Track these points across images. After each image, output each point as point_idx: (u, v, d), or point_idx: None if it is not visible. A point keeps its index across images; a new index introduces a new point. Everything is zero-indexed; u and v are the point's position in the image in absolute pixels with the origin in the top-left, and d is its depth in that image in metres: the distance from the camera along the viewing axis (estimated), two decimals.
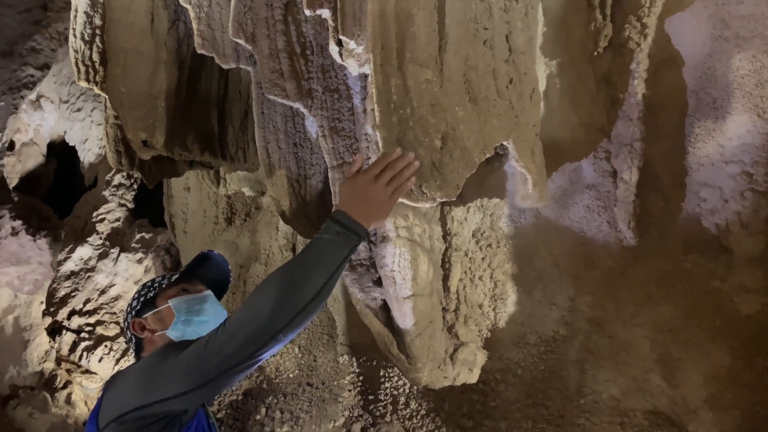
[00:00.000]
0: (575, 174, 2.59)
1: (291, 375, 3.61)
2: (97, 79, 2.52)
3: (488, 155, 1.79)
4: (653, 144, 2.38)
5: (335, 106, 2.27)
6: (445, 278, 2.72)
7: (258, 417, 3.53)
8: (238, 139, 2.86)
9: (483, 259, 2.81)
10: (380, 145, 1.60)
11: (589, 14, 2.36)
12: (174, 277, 1.54)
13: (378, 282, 2.26)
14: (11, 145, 8.41)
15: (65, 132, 9.43)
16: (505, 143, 1.90)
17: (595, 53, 2.39)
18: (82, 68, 2.49)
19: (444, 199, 1.68)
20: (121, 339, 7.66)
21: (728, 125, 2.15)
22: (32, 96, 8.44)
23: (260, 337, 1.12)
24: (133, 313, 1.50)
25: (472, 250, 2.79)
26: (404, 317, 2.20)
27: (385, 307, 2.28)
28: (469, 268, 2.79)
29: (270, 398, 3.57)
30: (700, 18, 2.22)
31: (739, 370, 2.34)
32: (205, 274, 1.57)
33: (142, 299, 1.51)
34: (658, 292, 2.55)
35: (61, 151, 9.43)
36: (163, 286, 1.52)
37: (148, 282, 1.58)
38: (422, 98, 1.62)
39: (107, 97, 2.36)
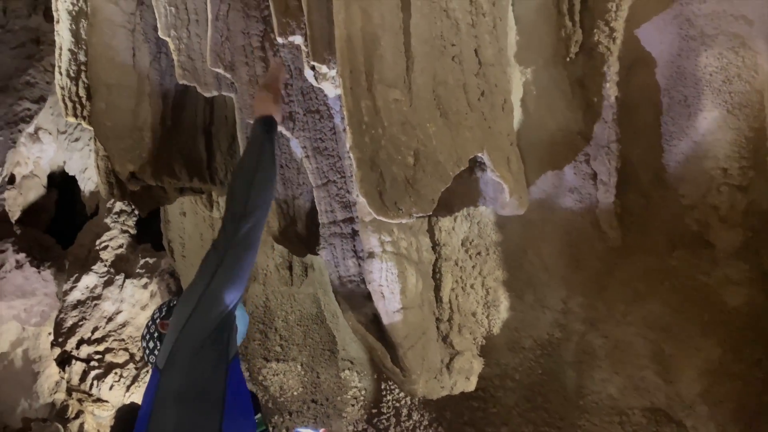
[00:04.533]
0: (557, 178, 2.63)
1: (295, 393, 3.64)
2: (85, 114, 2.58)
3: (463, 167, 1.84)
4: (630, 144, 2.42)
5: (317, 126, 2.31)
6: (437, 289, 2.76)
7: None
8: (226, 163, 2.91)
9: (473, 267, 2.84)
10: (354, 165, 1.65)
11: (559, 21, 2.41)
12: None
13: (368, 296, 2.30)
14: (12, 179, 8.51)
15: (65, 162, 9.52)
16: (479, 154, 1.94)
17: (568, 59, 2.43)
18: (69, 104, 2.55)
19: (420, 215, 1.72)
20: (131, 366, 7.68)
21: (700, 122, 2.19)
22: (30, 129, 8.54)
23: (240, 206, 1.53)
24: (159, 319, 1.70)
25: (462, 259, 2.83)
26: (395, 330, 2.23)
27: (376, 321, 2.31)
28: (460, 277, 2.82)
29: (276, 417, 3.60)
30: (667, 18, 2.26)
31: (730, 363, 2.36)
32: None
33: (165, 308, 1.73)
34: (646, 289, 2.58)
35: (61, 182, 9.52)
36: None
37: (169, 299, 1.87)
38: (392, 117, 1.67)
39: (94, 131, 2.43)
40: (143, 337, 1.71)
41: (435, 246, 2.80)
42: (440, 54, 1.86)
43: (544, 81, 2.54)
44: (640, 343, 2.66)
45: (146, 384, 1.52)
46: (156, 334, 1.68)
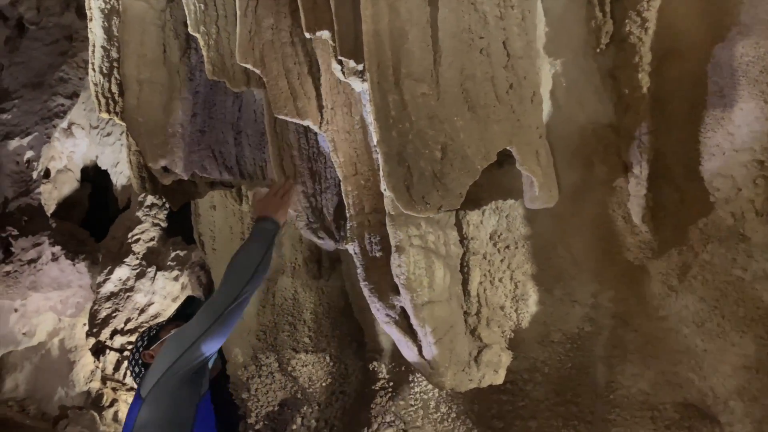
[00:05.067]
0: (587, 171, 2.59)
1: (324, 384, 3.68)
2: (117, 109, 2.64)
3: (490, 161, 1.83)
4: (662, 137, 2.37)
5: (344, 120, 2.32)
6: (465, 282, 2.75)
7: (294, 427, 3.61)
8: (255, 158, 2.94)
9: (502, 260, 2.83)
10: (381, 159, 1.66)
11: (589, 11, 2.36)
12: (169, 319, 2.15)
13: (396, 289, 2.31)
14: (47, 173, 8.72)
15: (97, 156, 9.70)
16: (508, 148, 1.93)
17: (598, 50, 2.39)
18: (102, 100, 2.61)
19: (448, 209, 1.72)
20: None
21: (736, 113, 2.13)
22: (64, 124, 8.74)
23: (238, 288, 1.88)
24: (142, 348, 2.00)
25: (490, 252, 2.82)
26: (423, 324, 2.24)
27: (404, 314, 2.32)
28: (489, 271, 2.81)
29: (305, 408, 3.65)
30: (701, 7, 2.21)
31: (766, 359, 2.31)
32: (192, 312, 1.99)
33: (146, 337, 2.03)
34: (679, 284, 2.54)
35: (94, 176, 9.73)
36: (162, 324, 2.09)
37: (147, 328, 2.15)
38: (420, 112, 1.67)
39: (126, 126, 2.48)
40: (129, 361, 2.02)
41: (463, 240, 2.79)
42: (468, 47, 1.85)
43: (574, 73, 2.50)
44: (673, 338, 2.61)
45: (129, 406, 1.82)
46: (140, 362, 1.99)
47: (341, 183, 2.35)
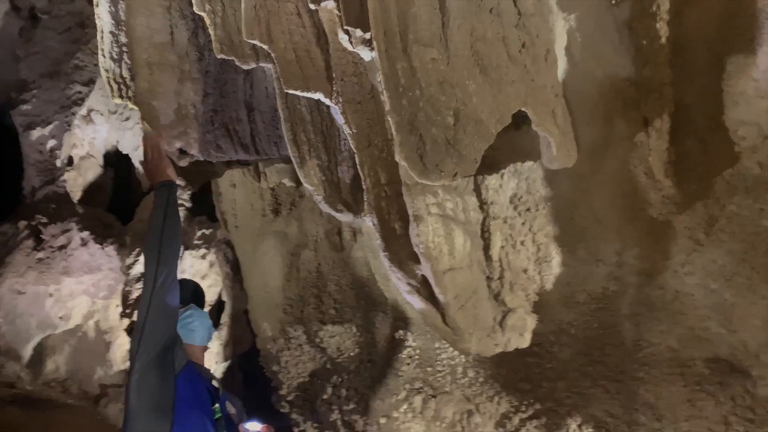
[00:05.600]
0: (606, 128, 2.53)
1: (352, 354, 3.72)
2: (130, 94, 2.64)
3: (505, 124, 1.79)
4: (683, 87, 2.29)
5: (354, 90, 2.30)
6: (486, 247, 2.73)
7: (325, 396, 3.67)
8: (270, 134, 2.94)
9: (523, 223, 2.80)
10: (393, 129, 1.63)
11: None
12: None
13: (416, 258, 2.31)
14: (70, 161, 8.84)
15: (118, 141, 9.77)
16: (523, 109, 1.89)
17: (613, 2, 2.31)
18: (114, 86, 2.61)
19: (463, 175, 1.69)
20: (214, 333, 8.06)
21: (760, 58, 2.05)
22: (83, 111, 8.81)
23: (149, 267, 1.83)
24: None
25: (511, 216, 2.79)
26: (445, 291, 2.24)
27: (425, 282, 2.32)
28: (510, 235, 2.79)
29: (335, 378, 3.70)
30: None
31: None
32: (183, 294, 2.05)
33: None
34: (705, 237, 2.48)
35: (116, 160, 9.82)
36: None
37: None
38: (430, 77, 1.64)
39: (139, 110, 2.48)
40: None
41: (482, 205, 2.76)
42: (477, 8, 1.80)
43: (590, 27, 2.42)
44: (701, 293, 2.57)
45: None
46: None
47: (355, 155, 2.33)
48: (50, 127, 8.23)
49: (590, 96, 2.51)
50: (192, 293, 2.29)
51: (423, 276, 2.33)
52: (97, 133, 9.11)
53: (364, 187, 2.35)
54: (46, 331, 7.67)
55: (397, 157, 1.72)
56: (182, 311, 2.11)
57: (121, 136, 9.56)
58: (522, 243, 2.79)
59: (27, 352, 7.65)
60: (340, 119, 2.41)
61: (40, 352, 7.88)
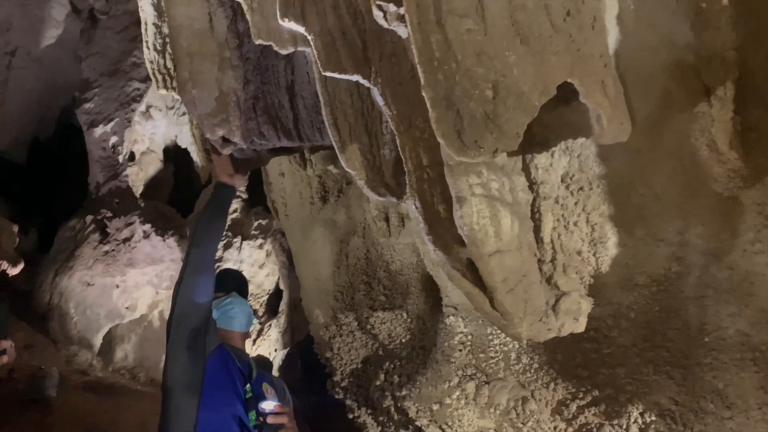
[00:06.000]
0: (664, 99, 2.37)
1: (404, 340, 3.68)
2: (174, 85, 2.66)
3: (549, 96, 1.69)
4: (749, 52, 2.11)
5: (394, 70, 2.23)
6: (537, 229, 2.63)
7: (378, 383, 3.65)
8: (312, 120, 2.90)
9: (576, 203, 2.67)
10: (428, 105, 1.56)
11: None
12: None
13: (462, 242, 2.23)
14: (132, 156, 9.16)
15: (176, 136, 10.02)
16: (569, 80, 1.78)
17: None
18: (159, 77, 2.64)
19: (504, 150, 1.61)
20: (255, 321, 8.23)
21: None
22: (142, 107, 9.10)
23: (187, 251, 2.21)
24: None
25: (563, 196, 2.66)
26: (491, 275, 2.16)
27: (471, 266, 2.25)
28: (562, 215, 2.67)
29: (387, 364, 3.68)
30: None
31: None
32: (227, 283, 2.44)
33: None
34: None
35: (176, 154, 10.11)
36: None
37: None
38: (466, 50, 1.55)
39: (182, 100, 2.50)
40: None
41: (532, 185, 2.65)
42: None
43: None
44: None
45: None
46: None
47: (396, 137, 2.27)
48: (111, 124, 8.55)
49: (645, 65, 2.35)
50: (235, 282, 2.51)
51: (469, 260, 2.25)
52: (156, 128, 9.39)
53: (405, 169, 2.29)
54: (114, 320, 8.03)
55: (436, 135, 1.64)
56: (223, 299, 2.30)
57: (179, 131, 9.80)
58: (575, 224, 2.67)
59: (97, 341, 8.03)
60: (380, 101, 2.35)
61: (110, 341, 8.25)
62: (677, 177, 2.56)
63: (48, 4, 8.94)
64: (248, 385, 2.08)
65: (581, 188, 2.66)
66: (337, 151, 2.47)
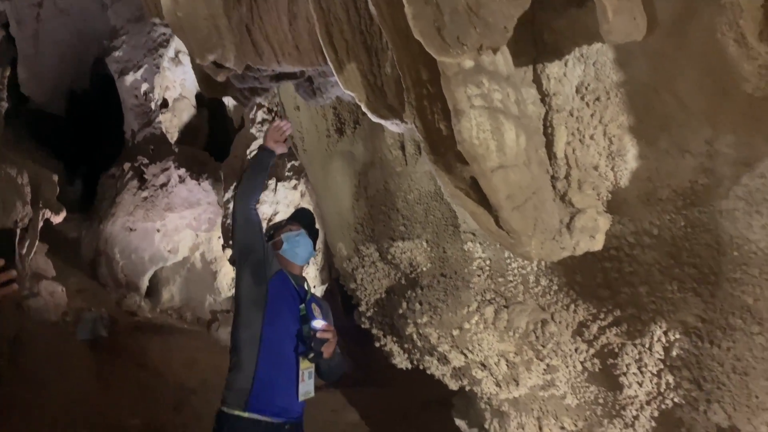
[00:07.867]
0: None
1: (424, 269, 3.64)
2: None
3: None
4: None
5: None
6: (549, 144, 2.48)
7: (400, 311, 3.64)
8: (312, 40, 2.78)
9: (592, 115, 2.50)
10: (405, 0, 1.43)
11: None
12: (288, 219, 2.88)
13: (463, 159, 2.12)
14: (165, 103, 9.22)
15: None
16: None
17: None
18: (150, 3, 2.55)
19: (491, 48, 1.47)
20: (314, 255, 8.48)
21: None
22: (170, 53, 9.06)
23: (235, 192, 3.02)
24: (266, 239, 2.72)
25: (578, 107, 2.50)
26: (494, 192, 2.05)
27: (475, 185, 2.14)
28: (577, 129, 2.51)
29: (408, 292, 3.65)
30: None
31: None
32: (301, 218, 2.86)
33: (268, 233, 2.78)
34: None
35: (210, 100, 10.11)
36: (281, 224, 2.86)
37: (268, 226, 3.08)
38: None
39: (169, 25, 2.41)
40: None
41: (544, 98, 2.49)
42: None
43: None
44: None
45: None
46: None
47: (392, 51, 2.14)
48: (141, 70, 8.58)
49: None
50: (307, 221, 2.86)
51: (472, 177, 2.14)
52: (186, 74, 9.38)
53: (404, 86, 2.17)
54: (158, 263, 8.31)
55: (414, 33, 1.52)
56: (295, 232, 2.72)
57: None
58: (591, 137, 2.50)
59: (144, 283, 8.35)
60: (374, 11, 2.21)
61: (156, 284, 8.56)
62: (705, 81, 2.35)
63: None
64: (302, 305, 2.52)
65: (598, 98, 2.48)
66: (333, 71, 2.36)
